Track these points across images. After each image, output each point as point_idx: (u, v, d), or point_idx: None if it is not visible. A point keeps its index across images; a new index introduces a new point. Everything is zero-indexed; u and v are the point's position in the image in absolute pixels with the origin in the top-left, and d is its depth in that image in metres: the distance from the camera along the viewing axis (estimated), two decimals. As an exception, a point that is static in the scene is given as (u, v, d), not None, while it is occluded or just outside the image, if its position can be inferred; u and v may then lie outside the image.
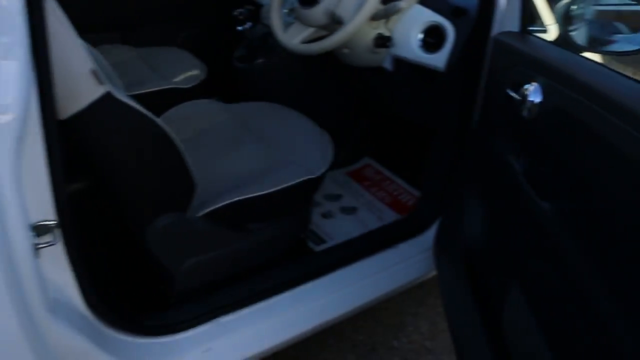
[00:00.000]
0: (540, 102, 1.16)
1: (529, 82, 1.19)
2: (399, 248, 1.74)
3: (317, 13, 1.60)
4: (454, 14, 1.60)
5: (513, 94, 1.23)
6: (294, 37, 1.68)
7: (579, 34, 1.49)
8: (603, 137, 0.99)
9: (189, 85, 2.07)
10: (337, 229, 1.93)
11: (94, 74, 1.06)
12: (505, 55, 1.38)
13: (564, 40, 1.48)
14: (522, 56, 1.29)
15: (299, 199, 1.57)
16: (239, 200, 1.43)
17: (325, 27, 1.65)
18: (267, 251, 1.58)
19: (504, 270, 1.32)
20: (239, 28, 1.99)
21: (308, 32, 1.67)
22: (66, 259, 1.10)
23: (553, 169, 1.15)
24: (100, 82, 1.07)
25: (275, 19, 1.74)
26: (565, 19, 1.48)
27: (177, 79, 2.10)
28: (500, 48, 1.40)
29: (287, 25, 1.75)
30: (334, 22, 1.58)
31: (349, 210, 2.04)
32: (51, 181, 1.01)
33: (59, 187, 1.03)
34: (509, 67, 1.32)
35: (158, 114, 1.72)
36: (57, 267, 1.09)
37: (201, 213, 1.40)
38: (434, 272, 1.84)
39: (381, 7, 1.61)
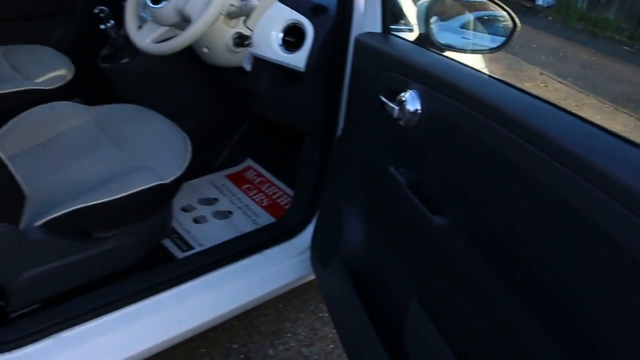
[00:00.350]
0: (418, 110, 1.13)
1: (404, 89, 1.16)
2: (265, 253, 1.69)
3: (167, 11, 1.53)
4: (314, 12, 1.57)
5: (387, 102, 1.20)
6: (146, 37, 1.60)
7: (440, 33, 1.50)
8: (487, 145, 0.98)
9: (52, 86, 1.94)
10: (208, 234, 1.86)
11: None
12: (370, 57, 1.35)
13: (426, 39, 1.49)
14: (392, 60, 1.26)
15: (149, 205, 1.49)
16: (80, 208, 1.33)
17: (177, 26, 1.58)
18: (117, 260, 1.49)
19: (401, 286, 1.29)
20: (102, 27, 1.88)
21: (160, 31, 1.59)
22: None
23: (440, 181, 1.12)
24: None
25: (129, 17, 1.66)
26: (427, 19, 1.48)
27: (40, 79, 1.96)
28: (362, 49, 1.38)
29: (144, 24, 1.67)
30: (184, 21, 1.52)
31: (223, 215, 1.97)
32: None
33: None
34: (377, 70, 1.30)
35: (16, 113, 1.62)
36: None
37: (38, 223, 1.31)
38: (310, 277, 1.81)
39: (234, 5, 1.57)
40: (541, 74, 5.91)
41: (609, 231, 0.75)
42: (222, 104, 2.12)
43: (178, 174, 1.49)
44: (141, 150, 1.56)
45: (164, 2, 1.52)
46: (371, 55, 1.36)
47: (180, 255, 1.76)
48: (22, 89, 1.89)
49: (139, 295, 1.44)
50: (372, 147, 1.36)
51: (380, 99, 1.22)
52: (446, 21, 1.53)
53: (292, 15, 1.59)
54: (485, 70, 2.22)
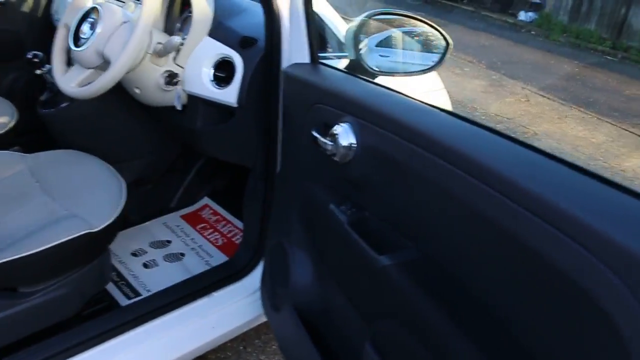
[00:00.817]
0: (353, 144, 1.08)
1: (336, 122, 1.10)
2: (213, 296, 1.62)
3: (88, 54, 1.49)
4: (243, 44, 1.53)
5: (319, 137, 1.15)
6: (71, 80, 1.55)
7: (371, 57, 1.46)
8: (426, 178, 0.93)
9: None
10: (158, 279, 1.79)
11: None
12: (299, 90, 1.30)
13: (357, 66, 1.45)
14: (322, 91, 1.21)
15: (79, 255, 1.43)
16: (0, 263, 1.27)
17: (101, 68, 1.54)
18: (49, 314, 1.42)
19: (354, 329, 1.22)
20: (37, 72, 1.84)
21: (85, 74, 1.55)
22: None
23: (383, 217, 1.06)
24: None
25: (56, 61, 1.62)
26: (355, 43, 1.44)
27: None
28: (291, 82, 1.33)
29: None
30: (106, 63, 1.48)
31: (175, 257, 1.91)
32: None
33: None
34: (308, 104, 1.25)
35: None
36: None
37: None
38: (262, 319, 1.74)
39: (161, 43, 1.53)
40: (523, 88, 5.89)
41: (556, 263, 0.71)
42: (172, 143, 2.07)
43: (109, 221, 1.43)
44: (72, 197, 1.50)
45: (85, 45, 1.48)
46: (301, 88, 1.31)
47: (124, 302, 1.69)
48: None
49: (76, 349, 1.37)
50: (311, 184, 1.30)
51: (312, 134, 1.16)
52: (376, 44, 1.49)
53: (222, 50, 1.54)
54: (443, 90, 2.18)
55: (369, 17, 1.43)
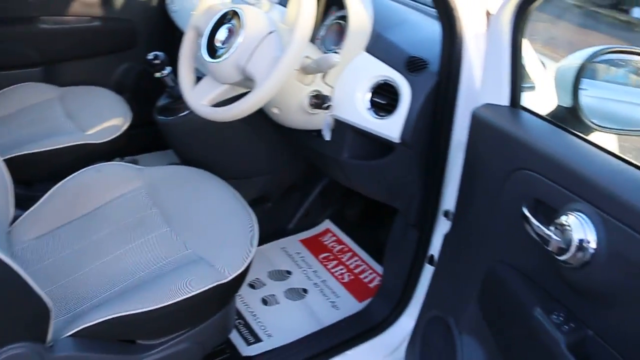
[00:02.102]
0: (590, 245, 0.79)
1: (559, 203, 0.83)
2: (347, 355, 1.39)
3: (226, 67, 1.24)
4: (410, 67, 1.25)
5: (535, 222, 0.86)
6: (202, 97, 1.32)
7: (590, 109, 1.11)
8: None
9: (105, 139, 1.74)
10: (279, 320, 1.59)
11: None
12: (497, 144, 1.00)
13: (568, 115, 1.11)
14: (530, 152, 0.91)
15: (205, 308, 1.22)
16: (119, 317, 1.08)
17: (239, 84, 1.30)
18: None
19: None
20: (157, 75, 1.64)
21: (219, 90, 1.30)
22: None
23: (621, 348, 0.78)
24: None
25: (183, 71, 1.39)
26: (574, 89, 1.10)
27: (93, 130, 1.77)
28: (484, 129, 1.03)
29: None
30: (247, 79, 1.23)
31: (297, 294, 1.69)
32: None
33: None
34: (511, 166, 0.96)
35: (66, 172, 1.42)
36: None
37: (68, 333, 1.07)
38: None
39: (310, 57, 1.27)
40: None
41: None
42: (296, 161, 1.84)
43: (240, 270, 1.21)
44: (196, 233, 1.30)
45: (224, 57, 1.24)
46: (497, 140, 1.00)
47: (245, 350, 1.49)
48: (73, 144, 1.69)
49: None
50: (506, 268, 1.01)
51: (523, 212, 0.88)
52: (593, 87, 1.14)
53: (383, 71, 1.27)
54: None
55: (597, 54, 1.09)
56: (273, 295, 1.68)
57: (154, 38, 2.34)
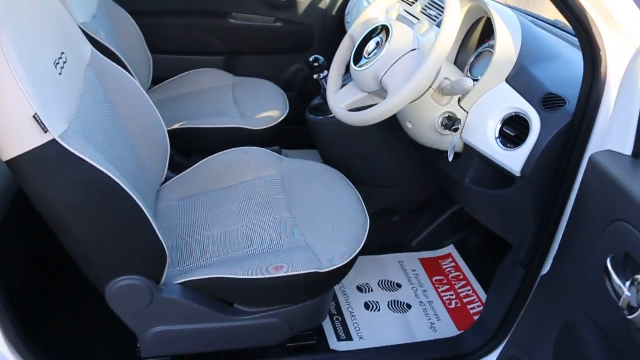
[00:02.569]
0: None
1: None
2: None
3: (366, 76, 1.33)
4: (546, 103, 1.23)
5: (613, 272, 0.85)
6: (341, 100, 1.42)
7: None
8: None
9: (260, 127, 1.92)
10: (375, 327, 1.63)
11: (37, 119, 0.92)
12: (603, 191, 0.96)
13: None
14: (633, 206, 0.87)
15: (300, 291, 1.31)
16: (224, 277, 1.22)
17: (376, 94, 1.38)
18: (257, 337, 1.35)
19: None
20: (315, 76, 1.78)
21: (357, 97, 1.40)
22: None
23: None
24: (45, 129, 0.94)
25: (332, 75, 1.50)
26: None
27: (252, 118, 1.96)
28: (596, 174, 1.00)
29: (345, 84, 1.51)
30: (383, 90, 1.31)
31: (400, 307, 1.71)
32: None
33: None
34: (609, 217, 0.92)
35: (220, 149, 1.62)
36: None
37: (178, 280, 1.23)
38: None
39: (449, 79, 1.31)
40: None
41: None
42: (429, 180, 1.86)
43: (339, 264, 1.28)
44: (311, 224, 1.39)
45: (366, 66, 1.33)
46: (606, 187, 0.96)
47: (333, 344, 1.56)
48: (233, 126, 1.89)
49: None
50: (584, 319, 0.97)
51: (605, 264, 0.85)
52: None
53: (518, 103, 1.27)
54: None
55: None
56: (377, 302, 1.72)
57: (328, 44, 2.50)
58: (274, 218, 1.42)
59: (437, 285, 1.81)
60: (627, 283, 0.79)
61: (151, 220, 1.12)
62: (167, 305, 1.23)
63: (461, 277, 1.85)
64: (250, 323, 1.31)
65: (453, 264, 1.91)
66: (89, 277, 1.17)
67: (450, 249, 1.99)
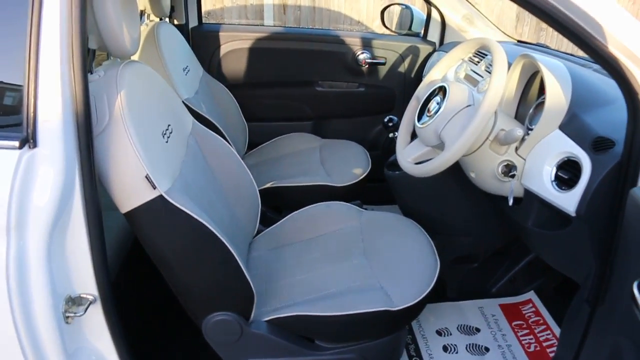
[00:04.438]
0: None
1: None
2: None
3: (428, 131, 1.49)
4: (596, 146, 1.32)
5: (638, 298, 0.94)
6: (409, 155, 1.58)
7: None
8: None
9: (343, 183, 2.10)
10: (453, 368, 1.70)
11: (148, 179, 1.16)
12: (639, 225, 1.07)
13: None
14: None
15: (373, 328, 1.44)
16: (305, 315, 1.38)
17: (439, 147, 1.52)
18: None
19: None
20: (390, 135, 1.95)
21: (422, 151, 1.55)
22: (108, 331, 1.22)
23: None
24: (154, 186, 1.17)
25: (401, 132, 1.67)
26: None
27: (336, 176, 2.15)
28: (635, 210, 1.10)
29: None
30: (442, 144, 1.45)
31: (478, 350, 1.78)
32: (92, 260, 1.14)
33: (99, 266, 1.15)
34: None
35: (307, 204, 1.82)
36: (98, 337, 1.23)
37: (267, 318, 1.40)
38: None
39: (504, 129, 1.43)
40: None
41: None
42: (507, 228, 1.94)
43: (410, 303, 1.41)
44: (385, 268, 1.53)
45: (427, 123, 1.49)
46: None
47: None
48: (318, 183, 2.09)
49: None
50: (624, 342, 1.04)
51: (632, 291, 0.93)
52: None
53: (570, 148, 1.36)
54: None
55: None
56: (455, 345, 1.80)
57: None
58: (352, 263, 1.57)
59: (516, 330, 1.86)
60: None
61: (242, 266, 1.31)
62: (255, 340, 1.40)
63: (541, 321, 1.89)
64: (329, 358, 1.45)
65: (533, 309, 1.95)
66: (188, 312, 1.37)
67: (531, 294, 2.02)
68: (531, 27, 6.17)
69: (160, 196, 1.18)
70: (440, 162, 1.39)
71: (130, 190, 1.17)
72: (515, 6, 5.96)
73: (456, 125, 1.41)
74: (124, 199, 1.18)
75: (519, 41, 2.45)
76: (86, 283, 1.17)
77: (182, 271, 1.28)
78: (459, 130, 1.40)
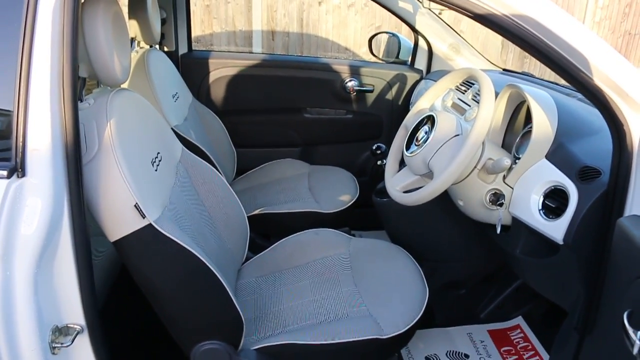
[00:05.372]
0: None
1: None
2: None
3: (416, 160, 1.50)
4: (582, 175, 1.34)
5: (627, 324, 0.95)
6: (397, 183, 1.59)
7: None
8: None
9: (331, 210, 2.10)
10: (443, 395, 1.70)
11: (137, 208, 1.16)
12: (628, 254, 1.08)
13: None
14: None
15: (362, 357, 1.43)
16: (294, 344, 1.37)
17: (427, 176, 1.53)
18: None
19: None
20: (379, 162, 1.97)
21: (410, 180, 1.57)
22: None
23: None
24: (143, 216, 1.17)
25: (390, 158, 1.69)
26: None
27: (324, 203, 2.15)
28: (622, 239, 1.10)
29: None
30: (431, 173, 1.47)
31: (467, 377, 1.78)
32: (80, 290, 1.13)
33: (87, 295, 1.14)
34: (631, 275, 1.03)
35: (296, 231, 1.81)
36: None
37: (256, 346, 1.39)
38: None
39: (492, 159, 1.45)
40: None
41: None
42: (493, 253, 1.95)
43: (399, 331, 1.41)
44: (374, 295, 1.53)
45: (416, 152, 1.50)
46: (630, 252, 1.06)
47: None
48: (307, 210, 2.09)
49: None
50: None
51: (623, 321, 0.94)
52: None
53: (556, 177, 1.38)
54: None
55: None
56: (445, 371, 1.80)
57: (395, 132, 2.70)
58: (341, 291, 1.57)
59: (505, 356, 1.86)
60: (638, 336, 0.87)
61: (231, 294, 1.30)
62: None
63: (529, 347, 1.89)
64: None
65: (522, 335, 1.96)
66: (177, 341, 1.35)
67: (519, 320, 2.03)
68: (515, 55, 6.28)
69: (150, 225, 1.17)
70: (428, 191, 1.41)
71: (119, 219, 1.16)
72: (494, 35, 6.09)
73: (445, 155, 1.43)
74: (112, 228, 1.17)
75: (504, 69, 2.50)
76: (74, 313, 1.16)
77: (171, 300, 1.27)
78: (448, 159, 1.41)
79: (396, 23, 5.78)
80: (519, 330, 1.98)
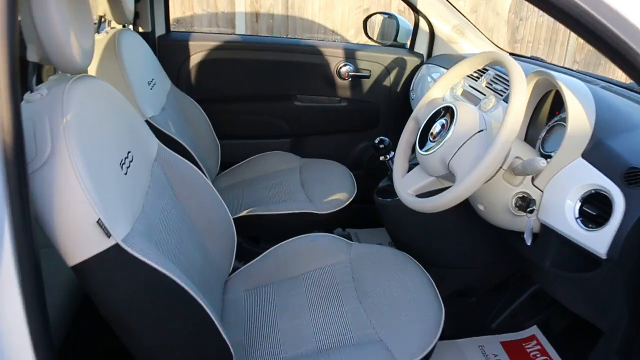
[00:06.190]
0: None
1: None
2: None
3: (433, 160, 1.28)
4: (629, 178, 1.14)
5: None
6: (409, 185, 1.38)
7: None
8: None
9: (327, 211, 1.89)
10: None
11: (100, 224, 0.93)
12: None
13: None
14: None
15: None
16: None
17: (445, 178, 1.33)
18: None
19: None
20: (381, 158, 1.76)
21: (424, 182, 1.35)
22: None
23: None
24: (108, 234, 0.94)
25: (397, 160, 1.47)
26: None
27: (319, 202, 1.94)
28: None
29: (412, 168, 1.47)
30: (450, 175, 1.26)
31: (482, 398, 1.59)
32: (29, 331, 0.90)
33: (40, 336, 0.91)
34: None
35: (289, 235, 1.59)
36: None
37: None
38: None
39: (521, 158, 1.25)
40: None
41: None
42: (510, 260, 1.76)
43: (415, 358, 1.21)
44: (383, 316, 1.33)
45: (432, 150, 1.29)
46: None
47: None
48: (300, 211, 1.88)
49: None
50: None
51: None
52: None
53: (597, 180, 1.18)
54: None
55: None
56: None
57: (394, 121, 2.49)
58: (344, 310, 1.37)
59: (521, 371, 1.68)
60: None
61: (216, 323, 1.09)
62: None
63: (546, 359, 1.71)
64: None
65: (538, 347, 1.78)
66: None
67: (534, 330, 1.85)
68: (505, 39, 6.11)
69: (116, 245, 0.95)
70: (450, 198, 1.19)
71: (79, 240, 0.93)
72: (493, 17, 5.89)
73: (468, 154, 1.22)
74: (70, 250, 0.94)
75: (511, 54, 2.29)
76: (23, 358, 0.93)
77: (144, 333, 1.05)
78: (473, 160, 1.20)
79: (385, 6, 5.55)
80: (535, 342, 1.80)
